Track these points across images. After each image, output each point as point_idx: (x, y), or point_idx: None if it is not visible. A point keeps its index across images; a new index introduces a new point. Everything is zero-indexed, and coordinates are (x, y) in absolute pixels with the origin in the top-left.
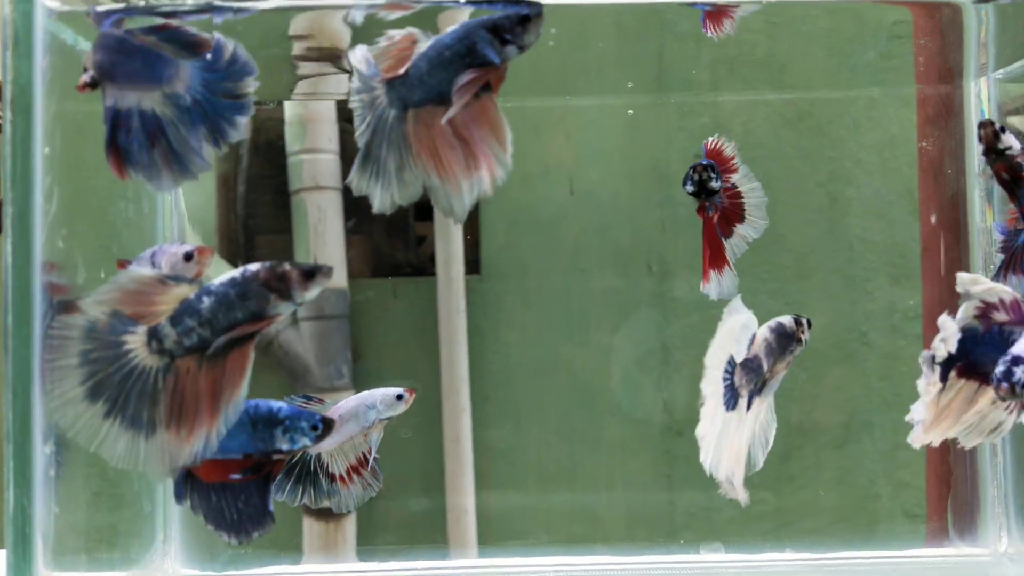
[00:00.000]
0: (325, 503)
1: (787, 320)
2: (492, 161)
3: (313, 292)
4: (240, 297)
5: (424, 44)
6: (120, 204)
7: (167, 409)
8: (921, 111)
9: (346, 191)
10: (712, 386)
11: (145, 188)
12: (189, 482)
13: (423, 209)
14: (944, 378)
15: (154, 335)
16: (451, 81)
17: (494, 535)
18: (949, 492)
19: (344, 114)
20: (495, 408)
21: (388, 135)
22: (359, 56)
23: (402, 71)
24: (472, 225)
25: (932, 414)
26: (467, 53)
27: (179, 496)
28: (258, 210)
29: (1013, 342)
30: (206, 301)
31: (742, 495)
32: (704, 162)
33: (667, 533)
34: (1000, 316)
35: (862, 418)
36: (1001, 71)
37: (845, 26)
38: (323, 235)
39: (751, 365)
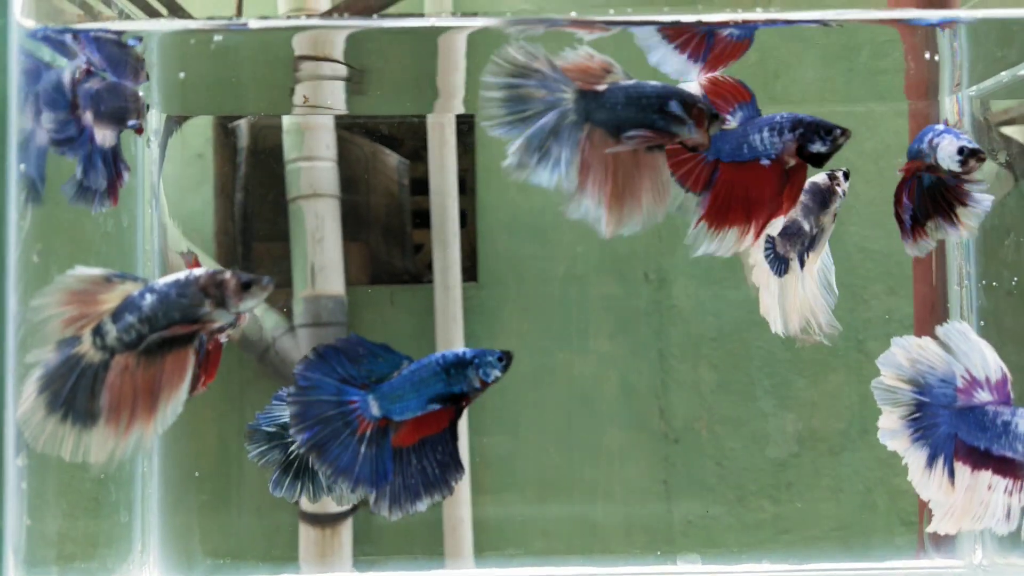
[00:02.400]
0: (324, 497)
1: (819, 178)
2: (619, 218)
3: (248, 303)
4: (179, 297)
5: (617, 74)
6: (98, 219)
7: (107, 403)
8: (912, 122)
9: (344, 198)
10: (754, 276)
11: (125, 201)
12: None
13: (421, 217)
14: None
15: (97, 332)
16: (633, 122)
17: (491, 544)
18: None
19: (342, 122)
20: (492, 416)
21: (562, 134)
22: (538, 53)
23: (600, 88)
24: (469, 233)
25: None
26: (656, 109)
27: (389, 473)
28: (256, 217)
29: (1004, 423)
30: (148, 298)
31: (831, 327)
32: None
33: (665, 542)
34: (983, 395)
35: (859, 426)
36: (974, 88)
37: (840, 39)
38: (321, 242)
39: (790, 230)
